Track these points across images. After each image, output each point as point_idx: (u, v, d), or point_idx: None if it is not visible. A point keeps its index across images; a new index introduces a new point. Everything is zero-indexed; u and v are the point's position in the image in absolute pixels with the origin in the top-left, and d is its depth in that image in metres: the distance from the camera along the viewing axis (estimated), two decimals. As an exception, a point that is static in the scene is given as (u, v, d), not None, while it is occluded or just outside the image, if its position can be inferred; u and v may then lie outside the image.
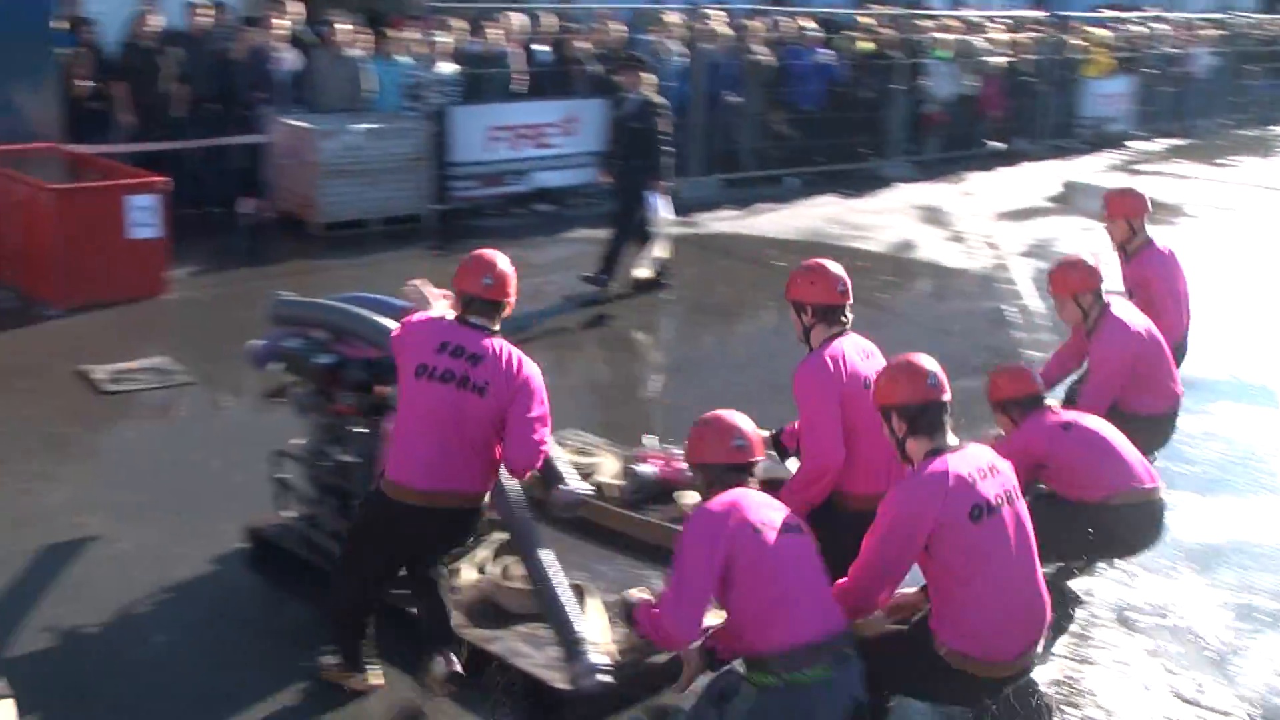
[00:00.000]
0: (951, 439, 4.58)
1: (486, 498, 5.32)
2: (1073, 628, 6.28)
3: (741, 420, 4.67)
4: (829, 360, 5.30)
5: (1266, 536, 7.38)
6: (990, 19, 21.82)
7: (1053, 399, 6.46)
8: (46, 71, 12.17)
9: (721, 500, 4.43)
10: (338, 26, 14.03)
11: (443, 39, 14.24)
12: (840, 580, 4.60)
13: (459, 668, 5.31)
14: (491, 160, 14.42)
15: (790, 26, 17.97)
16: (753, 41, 16.89)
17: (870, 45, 18.44)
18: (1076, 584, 6.58)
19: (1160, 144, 22.54)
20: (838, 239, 14.44)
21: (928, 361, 4.65)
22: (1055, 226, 15.50)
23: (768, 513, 4.44)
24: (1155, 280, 7.42)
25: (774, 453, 5.84)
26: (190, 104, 13.35)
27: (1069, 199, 17.49)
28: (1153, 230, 7.74)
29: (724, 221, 14.99)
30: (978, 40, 19.87)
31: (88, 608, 5.99)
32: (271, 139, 13.47)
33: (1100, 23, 23.51)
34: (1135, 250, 7.57)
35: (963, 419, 6.30)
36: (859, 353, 5.43)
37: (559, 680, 5.23)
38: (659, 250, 11.55)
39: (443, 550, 5.55)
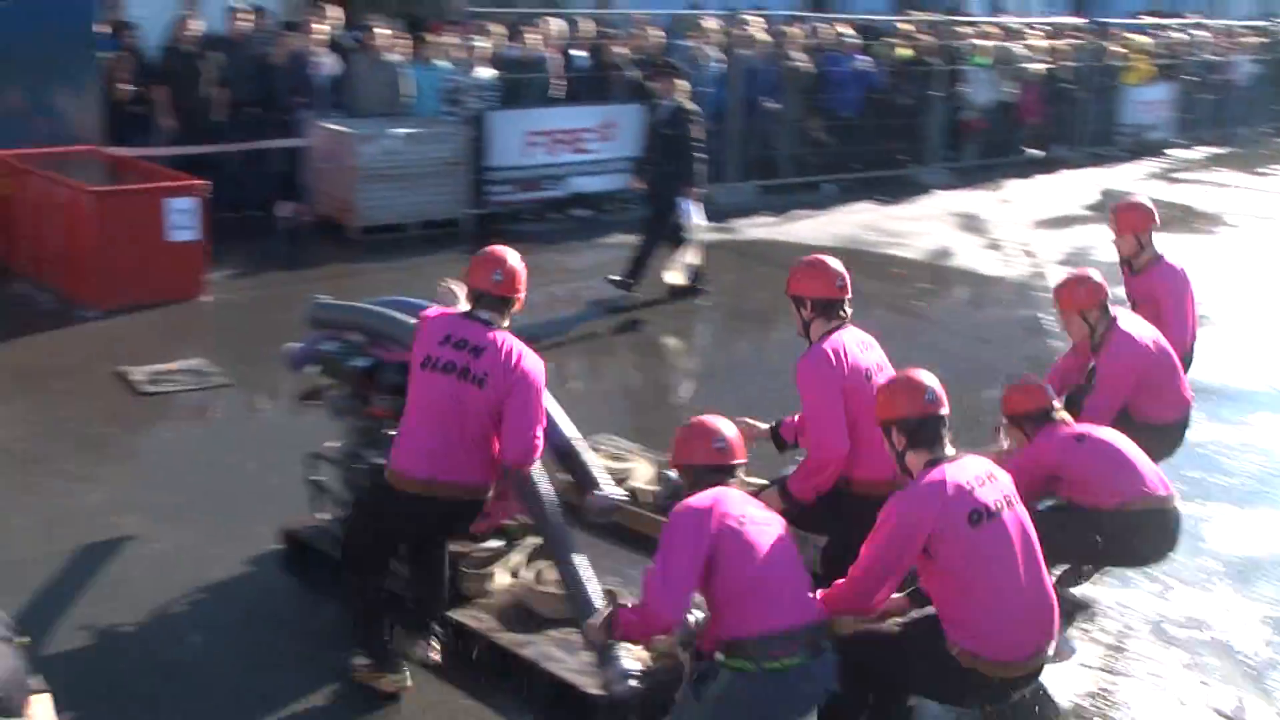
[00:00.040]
0: (949, 450, 4.67)
1: (490, 490, 5.40)
2: (1108, 640, 6.25)
3: (724, 424, 4.80)
4: (830, 353, 5.41)
5: (1306, 549, 7.32)
6: (1029, 25, 21.73)
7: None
8: (88, 75, 12.27)
9: (703, 496, 4.55)
10: (377, 31, 14.08)
11: (481, 44, 14.27)
12: (838, 579, 4.71)
13: (437, 656, 5.45)
14: (529, 165, 14.43)
15: (829, 33, 17.94)
16: (791, 48, 16.86)
17: (909, 52, 18.37)
18: (1108, 596, 6.55)
19: (1200, 152, 22.34)
20: (874, 246, 14.41)
21: (926, 377, 4.76)
22: (1093, 235, 15.35)
23: (747, 508, 4.57)
24: (1165, 298, 7.29)
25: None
26: (230, 108, 13.42)
27: (1107, 208, 17.35)
28: (1161, 244, 7.59)
29: (761, 228, 14.97)
30: (1017, 47, 19.75)
31: (124, 607, 6.03)
32: (310, 143, 13.53)
33: (1140, 29, 23.34)
34: (1143, 265, 7.44)
35: (1000, 424, 6.33)
36: (858, 345, 5.55)
37: (591, 686, 5.23)
38: (691, 256, 11.55)
39: (444, 538, 5.61)
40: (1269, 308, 11.94)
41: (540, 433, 5.23)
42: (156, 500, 7.24)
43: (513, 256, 5.37)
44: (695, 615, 4.62)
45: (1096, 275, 6.67)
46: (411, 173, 13.32)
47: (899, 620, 4.85)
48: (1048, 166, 19.77)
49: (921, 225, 15.63)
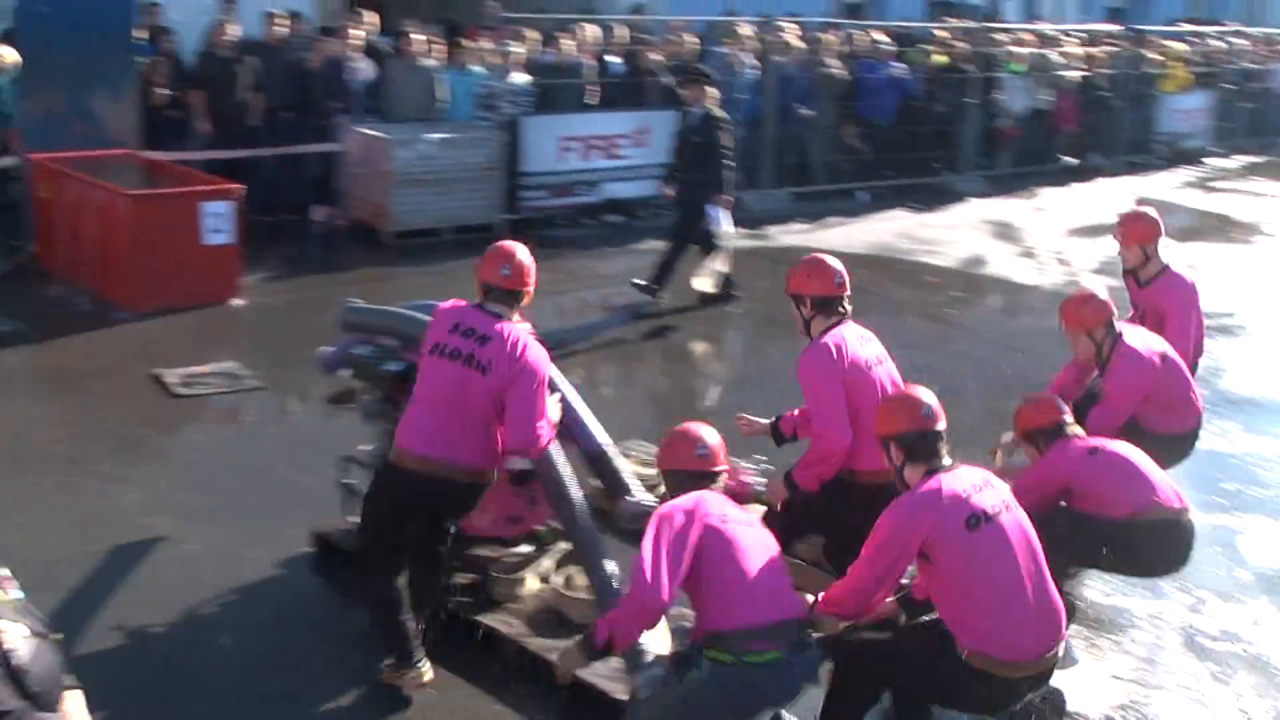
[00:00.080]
0: (946, 462, 4.77)
1: (490, 476, 5.54)
2: (1140, 652, 6.21)
3: (707, 433, 4.97)
4: (831, 347, 5.57)
5: (1342, 562, 7.25)
6: (1065, 33, 21.61)
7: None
8: (127, 80, 12.35)
9: (685, 498, 4.70)
10: (412, 36, 14.12)
11: (516, 49, 14.30)
12: (838, 580, 4.89)
13: (429, 678, 5.49)
14: (563, 170, 14.45)
15: (863, 40, 17.90)
16: (825, 54, 16.83)
17: (944, 59, 18.31)
18: (1141, 608, 6.52)
19: (1238, 161, 22.17)
20: (908, 253, 14.37)
21: (923, 393, 4.88)
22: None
23: (727, 509, 4.73)
24: (1171, 310, 7.19)
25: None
26: (265, 113, 13.50)
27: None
28: (1168, 254, 7.48)
29: (794, 235, 14.94)
30: (1052, 54, 19.65)
31: (155, 608, 6.07)
32: (345, 148, 13.59)
33: (1178, 36, 23.20)
34: (1150, 277, 7.32)
35: (996, 448, 6.32)
36: (858, 338, 5.71)
37: (620, 691, 5.23)
38: (720, 264, 11.53)
39: (446, 523, 5.67)
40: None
41: (544, 423, 5.35)
42: (189, 502, 7.28)
43: (521, 251, 5.50)
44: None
45: (1102, 292, 6.61)
46: (446, 178, 13.35)
47: (908, 629, 4.90)
48: (1084, 175, 19.65)
49: (955, 233, 15.57)
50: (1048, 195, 18.23)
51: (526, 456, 5.46)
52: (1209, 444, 8.93)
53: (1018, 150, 19.15)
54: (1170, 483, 5.88)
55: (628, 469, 6.03)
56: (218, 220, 10.87)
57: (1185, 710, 5.72)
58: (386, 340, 6.26)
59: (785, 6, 18.33)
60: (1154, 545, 5.76)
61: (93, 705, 3.36)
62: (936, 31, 19.62)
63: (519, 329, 5.39)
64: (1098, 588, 6.70)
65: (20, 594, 3.07)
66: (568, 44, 14.97)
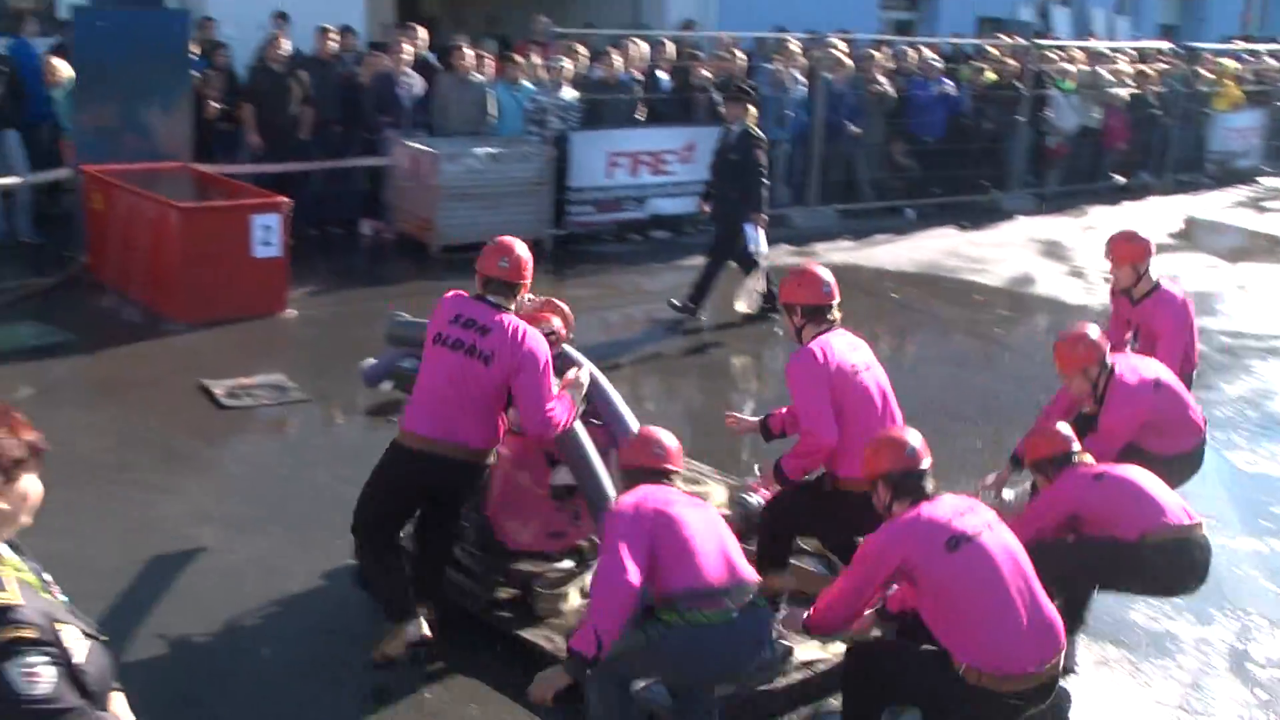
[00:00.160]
0: (930, 493, 4.94)
1: (491, 456, 5.86)
2: (1186, 678, 6.13)
3: (665, 436, 5.29)
4: (817, 351, 5.79)
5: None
6: (1117, 50, 21.46)
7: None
8: (181, 94, 12.48)
9: (631, 493, 5.01)
10: (464, 51, 14.18)
11: (566, 65, 14.34)
12: (826, 589, 5.15)
13: (429, 633, 5.72)
14: (610, 186, 14.47)
15: (913, 56, 17.84)
16: (875, 71, 16.78)
17: (993, 76, 18.24)
18: (1187, 633, 6.44)
19: (1291, 181, 21.97)
20: (955, 271, 14.30)
21: (909, 434, 5.05)
22: (1178, 264, 15.16)
23: (671, 494, 5.04)
24: (1163, 328, 7.26)
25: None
26: (316, 126, 13.60)
27: (1192, 236, 17.12)
28: (1158, 272, 7.52)
29: (841, 252, 14.88)
30: (1103, 72, 19.51)
31: (199, 617, 6.11)
32: (393, 162, 13.67)
33: (1231, 54, 22.98)
34: (1142, 295, 7.40)
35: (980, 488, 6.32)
36: (846, 345, 5.92)
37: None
38: (758, 283, 11.49)
39: (448, 500, 5.94)
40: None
41: (554, 404, 5.61)
42: (233, 512, 7.33)
43: (519, 246, 5.82)
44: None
45: (1093, 331, 6.59)
46: (493, 192, 13.36)
47: (908, 651, 5.01)
48: (1135, 193, 19.50)
49: (1003, 251, 15.49)
50: (1098, 214, 18.09)
51: (547, 438, 5.77)
52: (1259, 467, 8.89)
53: (1067, 168, 19.03)
54: (1179, 501, 5.89)
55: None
56: (267, 233, 10.95)
57: (1231, 736, 5.66)
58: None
59: (835, 23, 18.29)
60: (1166, 564, 5.75)
61: (135, 712, 3.39)
62: (987, 48, 19.55)
63: (517, 319, 5.68)
64: (1143, 612, 6.64)
65: (65, 598, 3.12)
66: (617, 59, 14.98)
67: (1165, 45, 22.63)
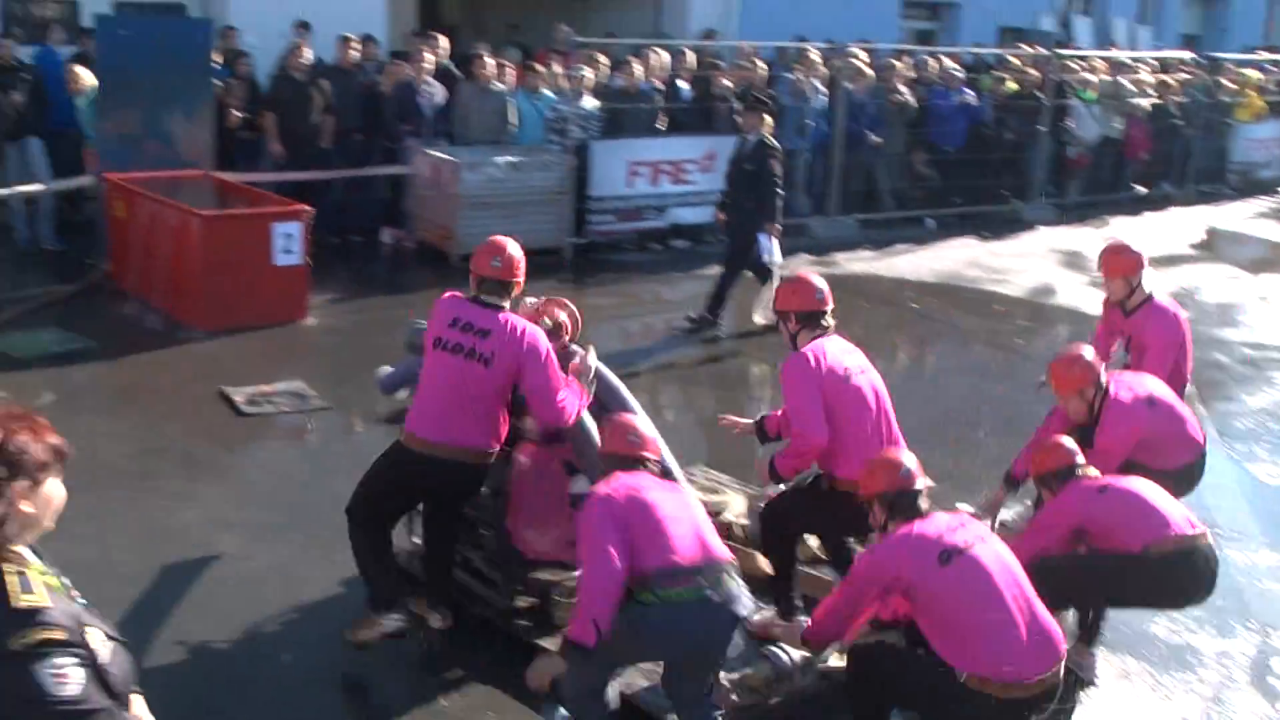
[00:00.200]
0: (924, 512, 5.06)
1: (492, 455, 5.90)
2: (1207, 692, 6.10)
3: (642, 423, 5.44)
4: (810, 355, 5.89)
5: None
6: (1138, 60, 21.39)
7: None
8: (203, 102, 12.53)
9: (604, 483, 5.10)
10: (485, 59, 14.21)
11: (586, 74, 14.35)
12: (823, 602, 5.31)
13: (451, 622, 5.95)
14: (630, 195, 14.48)
15: (934, 66, 17.80)
16: (896, 80, 16.76)
17: (1015, 86, 18.20)
18: (1209, 646, 6.41)
19: (1314, 192, 21.85)
20: (975, 281, 14.26)
21: (903, 456, 5.20)
22: (1199, 275, 15.13)
23: (642, 480, 5.11)
24: (1152, 340, 7.24)
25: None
26: (337, 135, 13.64)
27: (1214, 247, 17.04)
28: (1151, 285, 7.49)
29: (861, 262, 14.87)
30: (1125, 81, 19.44)
31: (218, 624, 6.12)
32: (414, 170, 13.70)
33: (1254, 64, 22.87)
34: (1134, 308, 7.39)
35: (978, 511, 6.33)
36: (840, 349, 6.03)
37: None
38: (773, 294, 11.45)
39: (450, 500, 6.04)
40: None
41: (564, 394, 5.74)
42: (253, 519, 7.35)
43: (512, 245, 5.94)
44: None
45: (1088, 352, 6.58)
46: (514, 201, 13.37)
47: (909, 653, 5.05)
48: (1157, 204, 19.41)
49: (1023, 262, 15.44)
50: (1119, 224, 18.00)
51: (562, 428, 5.89)
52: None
53: (1088, 178, 18.98)
54: (1183, 510, 5.88)
55: (692, 492, 6.07)
56: (288, 241, 10.98)
57: (1253, 750, 5.62)
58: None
59: (856, 32, 18.27)
60: (1171, 575, 5.74)
61: (155, 717, 3.40)
62: (1008, 58, 19.51)
63: (514, 316, 5.82)
64: (1164, 625, 6.61)
65: (83, 601, 3.14)
66: (638, 69, 14.98)
67: (1187, 55, 22.55)
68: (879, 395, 5.98)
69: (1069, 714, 5.55)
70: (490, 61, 14.24)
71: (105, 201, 12.05)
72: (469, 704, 5.67)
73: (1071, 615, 6.26)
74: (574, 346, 6.38)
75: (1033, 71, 18.44)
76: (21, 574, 2.96)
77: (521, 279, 5.92)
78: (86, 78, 12.36)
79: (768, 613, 6.03)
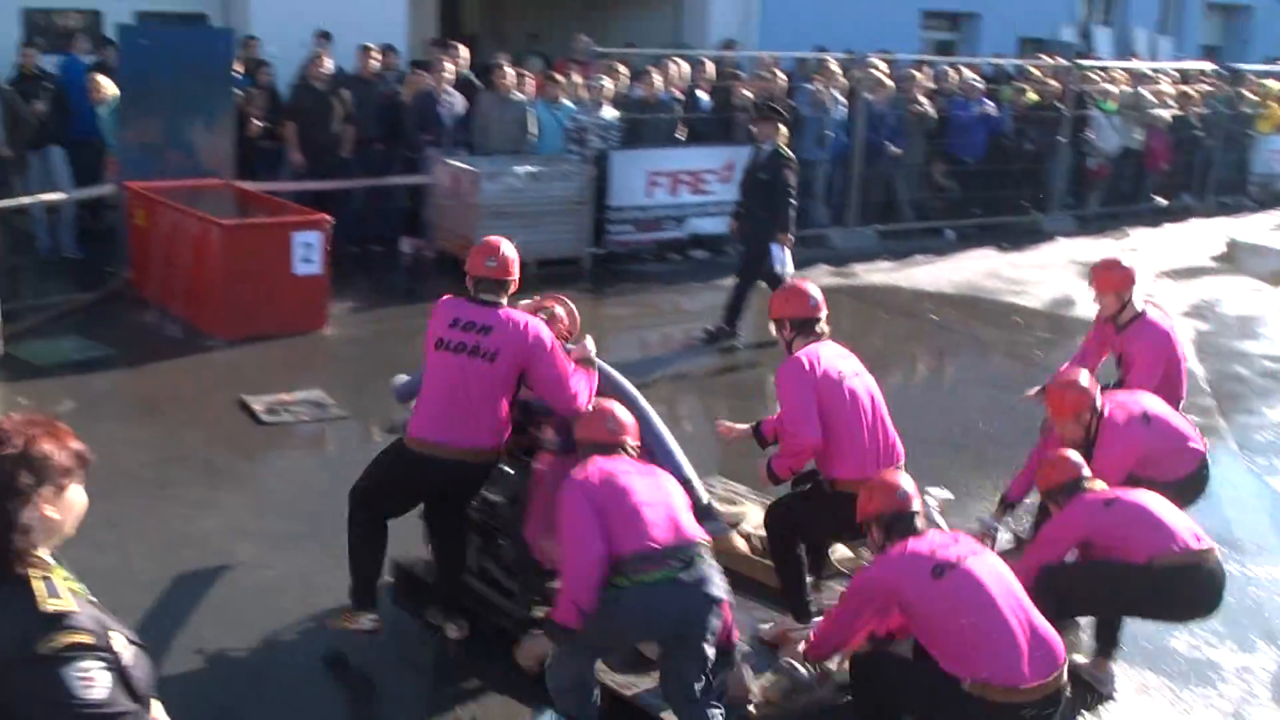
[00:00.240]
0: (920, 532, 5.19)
1: (495, 455, 5.93)
2: (1228, 707, 6.07)
3: (619, 410, 5.53)
4: (804, 359, 6.01)
5: None
6: (1159, 71, 21.33)
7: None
8: (223, 111, 12.58)
9: (581, 468, 5.19)
10: (505, 69, 14.23)
11: (606, 84, 14.37)
12: (825, 615, 5.49)
13: (467, 632, 6.03)
14: (650, 205, 14.48)
15: (954, 77, 17.78)
16: (916, 91, 16.73)
17: (1035, 97, 18.16)
18: (1229, 660, 6.38)
19: (1336, 204, 21.73)
20: (994, 293, 14.24)
21: (900, 478, 5.36)
22: (1220, 287, 15.07)
23: (618, 465, 5.22)
24: (1140, 356, 7.28)
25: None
26: (357, 144, 13.68)
27: (1235, 259, 16.96)
28: (1142, 300, 7.51)
29: (880, 273, 14.86)
30: (1145, 92, 19.39)
31: (235, 632, 6.14)
32: (434, 180, 13.73)
33: (1276, 76, 22.74)
34: (1125, 323, 7.42)
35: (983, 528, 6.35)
36: (835, 354, 6.14)
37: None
38: None
39: (455, 499, 6.07)
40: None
41: (575, 380, 5.76)
42: (271, 528, 7.36)
43: (506, 245, 5.98)
44: None
45: (1084, 378, 6.58)
46: (533, 211, 13.36)
47: (911, 660, 5.19)
48: (1177, 215, 19.35)
49: (1043, 273, 15.40)
50: (1139, 236, 17.98)
51: (576, 414, 5.79)
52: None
53: (1108, 189, 18.93)
54: (1190, 525, 5.86)
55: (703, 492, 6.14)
56: (308, 250, 11.01)
57: (1273, 766, 5.59)
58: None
59: (876, 43, 18.26)
60: (1177, 588, 5.73)
61: (171, 724, 3.43)
62: (1029, 68, 19.47)
63: (513, 310, 5.86)
64: (1184, 639, 6.58)
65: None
66: (657, 79, 14.99)
67: (1208, 66, 22.46)
68: (874, 398, 6.07)
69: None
70: (510, 71, 14.27)
71: (126, 210, 12.10)
72: (486, 713, 5.67)
73: (1088, 630, 6.24)
74: (569, 345, 6.38)
75: (1053, 82, 18.41)
76: (47, 579, 2.98)
77: (516, 277, 5.98)
78: (108, 87, 12.42)
79: (787, 621, 6.04)
